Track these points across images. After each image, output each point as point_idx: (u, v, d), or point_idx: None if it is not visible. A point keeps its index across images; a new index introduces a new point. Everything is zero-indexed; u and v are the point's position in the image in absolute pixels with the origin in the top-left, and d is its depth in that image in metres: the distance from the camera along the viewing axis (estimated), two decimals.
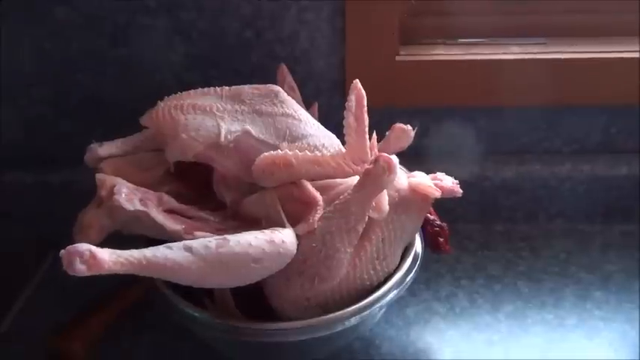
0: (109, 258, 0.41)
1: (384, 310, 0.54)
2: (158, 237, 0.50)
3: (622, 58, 0.68)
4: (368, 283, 0.51)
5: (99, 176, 0.51)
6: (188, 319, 0.51)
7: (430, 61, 0.68)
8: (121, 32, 0.68)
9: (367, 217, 0.49)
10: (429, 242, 0.58)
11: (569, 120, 0.72)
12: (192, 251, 0.44)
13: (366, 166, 0.49)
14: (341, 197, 0.49)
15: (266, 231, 0.47)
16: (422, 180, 0.53)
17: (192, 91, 0.56)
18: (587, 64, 0.68)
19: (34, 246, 0.73)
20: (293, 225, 0.49)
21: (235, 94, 0.55)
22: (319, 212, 0.49)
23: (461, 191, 0.55)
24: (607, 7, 0.70)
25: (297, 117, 0.55)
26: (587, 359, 0.58)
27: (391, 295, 0.51)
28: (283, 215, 0.50)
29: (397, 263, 0.54)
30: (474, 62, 0.68)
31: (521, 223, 0.75)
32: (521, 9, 0.70)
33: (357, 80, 0.51)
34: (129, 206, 0.49)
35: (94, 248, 0.41)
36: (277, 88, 0.56)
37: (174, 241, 0.47)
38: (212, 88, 0.56)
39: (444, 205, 0.56)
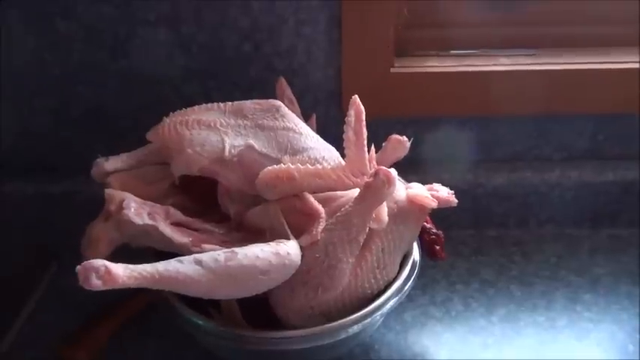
0: (123, 273, 0.42)
1: (384, 316, 0.56)
2: (165, 249, 0.52)
3: (608, 69, 0.70)
4: (369, 291, 0.53)
5: (108, 191, 0.52)
6: (195, 328, 0.53)
7: (424, 72, 0.70)
8: (121, 44, 0.69)
9: (368, 228, 0.51)
10: (426, 250, 0.60)
11: (557, 128, 0.75)
12: (202, 265, 0.45)
13: (366, 178, 0.51)
14: (342, 209, 0.51)
15: (271, 243, 0.48)
16: (419, 191, 0.55)
17: (196, 107, 0.57)
18: (574, 73, 0.71)
19: (36, 256, 0.74)
20: (296, 236, 0.51)
21: (238, 110, 0.57)
22: (322, 224, 0.51)
23: (456, 201, 0.57)
24: (594, 19, 0.72)
25: (297, 130, 0.57)
26: (578, 359, 0.61)
27: (392, 303, 0.53)
28: (287, 227, 0.51)
29: (396, 271, 0.56)
30: (466, 74, 0.70)
31: (513, 229, 0.77)
32: (511, 21, 0.72)
33: (356, 96, 0.53)
34: (138, 220, 0.50)
35: (108, 264, 0.42)
36: (278, 102, 0.58)
37: (182, 253, 0.49)
38: (215, 104, 0.57)
39: (438, 212, 0.58)
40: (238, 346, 0.52)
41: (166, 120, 0.56)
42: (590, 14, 0.72)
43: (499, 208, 0.76)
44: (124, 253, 0.51)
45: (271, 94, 0.64)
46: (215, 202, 0.58)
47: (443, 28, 0.72)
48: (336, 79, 0.71)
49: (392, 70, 0.70)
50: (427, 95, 0.71)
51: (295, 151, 0.55)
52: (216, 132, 0.55)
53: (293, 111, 0.61)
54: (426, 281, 0.69)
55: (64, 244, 0.72)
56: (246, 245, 0.48)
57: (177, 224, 0.53)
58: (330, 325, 0.51)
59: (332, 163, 0.55)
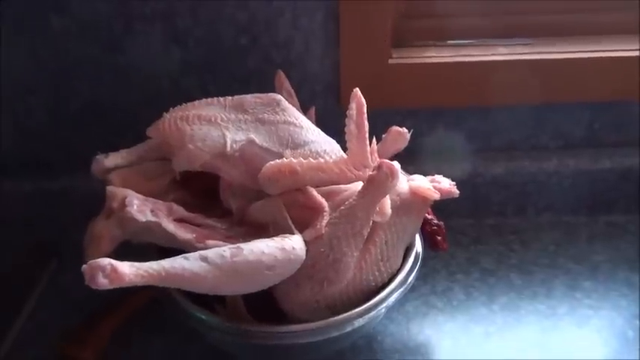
0: (129, 271, 0.42)
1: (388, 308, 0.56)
2: (168, 245, 0.52)
3: (606, 57, 0.70)
4: (373, 284, 0.53)
5: (110, 188, 0.52)
6: (200, 323, 0.53)
7: (422, 63, 0.70)
8: (117, 39, 0.68)
9: (371, 221, 0.51)
10: (428, 241, 0.61)
11: (554, 117, 0.75)
12: (208, 261, 0.45)
13: (368, 171, 0.51)
14: (346, 203, 0.51)
15: (276, 238, 0.48)
16: (421, 183, 0.55)
17: (196, 102, 0.57)
18: (572, 62, 0.71)
19: (35, 254, 0.73)
20: (299, 230, 0.51)
21: (238, 104, 0.57)
22: (326, 218, 0.51)
23: (458, 192, 0.57)
24: (591, 8, 0.72)
25: (298, 124, 0.57)
26: (578, 346, 0.61)
27: (396, 295, 0.54)
28: (290, 221, 0.51)
29: (400, 263, 0.56)
30: (464, 64, 0.70)
31: (511, 217, 0.78)
32: (508, 10, 0.72)
33: (357, 89, 0.53)
34: (141, 217, 0.50)
35: (114, 262, 0.42)
36: (279, 96, 0.58)
37: (186, 250, 0.49)
38: (215, 99, 0.57)
39: (437, 202, 0.57)
40: (244, 340, 0.52)
41: (166, 115, 0.56)
42: (588, 2, 0.72)
43: (497, 197, 0.76)
44: (124, 251, 0.51)
45: (269, 86, 0.64)
46: (216, 198, 0.58)
47: (440, 19, 0.72)
48: (334, 70, 0.71)
49: (390, 61, 0.70)
50: (425, 86, 0.71)
51: (296, 145, 0.55)
52: (217, 127, 0.55)
53: (292, 104, 0.60)
54: (426, 271, 0.69)
55: (63, 240, 0.73)
56: (249, 240, 0.48)
57: (180, 220, 0.53)
58: (336, 318, 0.51)
59: (334, 157, 0.55)
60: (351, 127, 0.52)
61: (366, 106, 0.52)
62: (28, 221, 0.74)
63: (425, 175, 0.58)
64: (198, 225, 0.53)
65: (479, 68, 0.70)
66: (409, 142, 0.62)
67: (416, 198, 0.55)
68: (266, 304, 0.53)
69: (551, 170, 0.75)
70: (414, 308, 0.66)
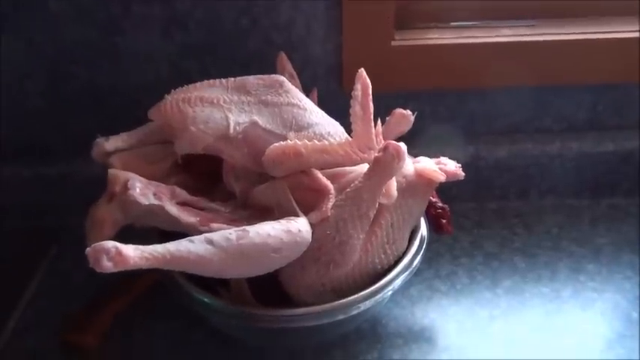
0: (134, 254, 0.42)
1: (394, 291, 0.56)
2: (171, 229, 0.51)
3: (608, 39, 0.70)
4: (379, 266, 0.53)
5: (111, 171, 0.51)
6: (204, 307, 0.52)
7: (424, 45, 0.69)
8: (115, 22, 0.67)
9: (377, 204, 0.51)
10: (432, 224, 0.60)
11: (557, 99, 0.75)
12: (213, 244, 0.45)
13: (373, 153, 0.51)
14: (352, 185, 0.50)
15: (282, 221, 0.48)
16: (427, 165, 0.55)
17: (198, 84, 0.56)
18: (575, 44, 0.70)
19: (35, 240, 0.73)
20: (304, 213, 0.50)
21: (241, 86, 0.56)
22: (331, 200, 0.50)
23: (463, 174, 0.57)
24: None
25: (302, 106, 0.56)
26: (583, 329, 0.61)
27: (402, 278, 0.53)
28: (295, 204, 0.51)
29: (405, 246, 0.56)
30: (466, 46, 0.69)
31: (514, 201, 0.77)
32: None
33: (362, 69, 0.52)
34: (144, 201, 0.49)
35: (119, 245, 0.41)
36: (282, 78, 0.57)
37: (189, 233, 0.48)
38: (217, 80, 0.56)
39: (440, 185, 0.57)
40: (249, 324, 0.52)
41: (168, 98, 0.55)
42: None
43: (500, 180, 0.76)
44: (125, 235, 0.50)
45: (270, 68, 0.63)
46: (219, 181, 0.57)
47: (443, 0, 0.71)
48: (336, 53, 0.70)
49: (392, 43, 0.69)
50: (428, 68, 0.70)
51: (300, 127, 0.55)
52: (219, 109, 0.54)
53: (294, 86, 0.59)
54: (430, 255, 0.68)
55: (62, 227, 0.72)
56: (253, 223, 0.48)
57: (183, 204, 0.52)
58: (342, 301, 0.51)
59: (338, 139, 0.55)
60: (356, 109, 0.51)
61: (371, 87, 0.51)
62: (26, 207, 0.73)
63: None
64: (201, 209, 0.53)
65: (482, 50, 0.70)
66: (412, 124, 0.61)
67: (422, 180, 0.54)
68: (271, 287, 0.52)
69: (554, 153, 0.75)
70: (418, 292, 0.65)
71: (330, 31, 0.68)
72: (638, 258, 0.69)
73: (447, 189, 0.60)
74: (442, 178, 0.54)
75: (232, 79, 0.57)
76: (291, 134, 0.54)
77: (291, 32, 0.68)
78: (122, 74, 0.70)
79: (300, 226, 0.48)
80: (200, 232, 0.48)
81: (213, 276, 0.46)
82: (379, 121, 0.54)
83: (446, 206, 0.61)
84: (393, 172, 0.49)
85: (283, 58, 0.64)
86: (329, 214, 0.50)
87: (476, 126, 0.75)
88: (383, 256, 0.53)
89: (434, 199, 0.60)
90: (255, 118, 0.54)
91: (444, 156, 0.58)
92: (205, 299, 0.51)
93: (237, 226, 0.48)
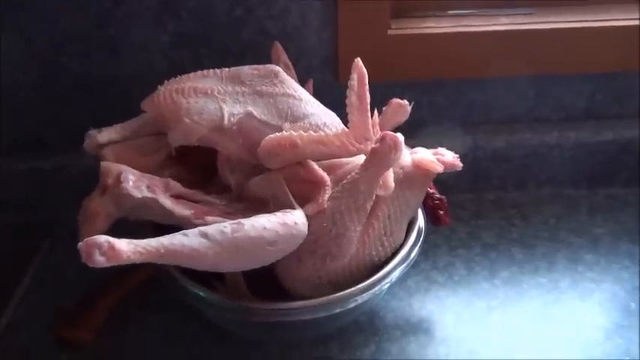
0: (127, 248, 0.41)
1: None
2: (165, 222, 0.51)
3: (608, 27, 0.69)
4: (376, 259, 0.53)
5: (104, 164, 0.50)
6: (200, 301, 0.52)
7: (421, 34, 0.68)
8: (107, 12, 0.66)
9: (374, 195, 0.50)
10: (430, 215, 0.60)
11: (556, 88, 0.74)
12: (208, 237, 0.44)
13: (370, 144, 0.50)
14: (348, 177, 0.50)
15: (278, 213, 0.47)
16: (424, 155, 0.54)
17: (191, 74, 0.55)
18: (572, 32, 0.69)
19: (28, 234, 0.72)
20: (300, 205, 0.50)
21: (235, 76, 0.55)
22: (328, 192, 0.50)
23: (461, 165, 0.56)
24: None
25: (297, 97, 0.55)
26: (581, 319, 0.61)
27: (400, 270, 0.53)
28: (291, 196, 0.50)
29: (403, 238, 0.55)
30: (464, 34, 0.69)
31: (512, 191, 0.77)
32: None
33: (359, 59, 0.51)
34: (137, 193, 0.49)
35: (112, 239, 0.41)
36: (277, 68, 0.56)
37: (183, 227, 0.47)
38: (211, 70, 0.55)
39: (437, 176, 0.57)
40: (244, 318, 0.51)
41: (161, 88, 0.54)
42: None
43: (498, 170, 0.75)
44: (118, 229, 0.50)
45: (264, 59, 0.62)
46: (214, 173, 0.56)
47: None
48: (331, 43, 0.69)
49: (389, 32, 0.68)
50: (425, 57, 0.69)
51: (296, 118, 0.54)
52: (213, 100, 0.53)
53: (290, 76, 0.59)
54: (427, 246, 0.68)
55: (55, 221, 0.71)
56: (249, 216, 0.47)
57: (177, 197, 0.51)
58: (339, 294, 0.50)
59: (334, 130, 0.54)
60: (352, 99, 0.50)
61: (367, 76, 0.51)
62: (19, 201, 0.73)
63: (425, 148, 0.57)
64: (196, 201, 0.52)
65: (479, 39, 0.69)
66: (409, 114, 0.60)
67: (419, 171, 0.54)
68: (267, 280, 0.52)
69: (552, 143, 0.74)
70: (415, 284, 0.65)
71: (326, 20, 0.68)
72: (636, 248, 0.69)
73: (444, 180, 0.59)
74: (440, 168, 0.54)
75: (226, 69, 0.56)
76: (287, 125, 0.53)
77: (285, 22, 0.68)
78: (115, 66, 0.69)
79: (296, 218, 0.47)
80: (195, 226, 0.47)
81: (208, 270, 0.46)
82: (376, 112, 0.53)
83: (443, 197, 0.60)
84: (390, 163, 0.49)
85: (278, 47, 0.63)
86: (325, 206, 0.49)
87: (473, 116, 0.75)
88: (380, 248, 0.52)
89: (431, 190, 0.60)
90: (250, 108, 0.53)
91: (441, 146, 0.58)
92: (200, 293, 0.51)
93: (233, 218, 0.47)
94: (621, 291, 0.64)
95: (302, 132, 0.50)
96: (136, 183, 0.49)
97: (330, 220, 0.49)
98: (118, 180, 0.49)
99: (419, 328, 0.60)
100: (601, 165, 0.76)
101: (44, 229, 0.72)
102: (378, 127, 0.53)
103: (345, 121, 0.52)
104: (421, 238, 0.56)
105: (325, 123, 0.55)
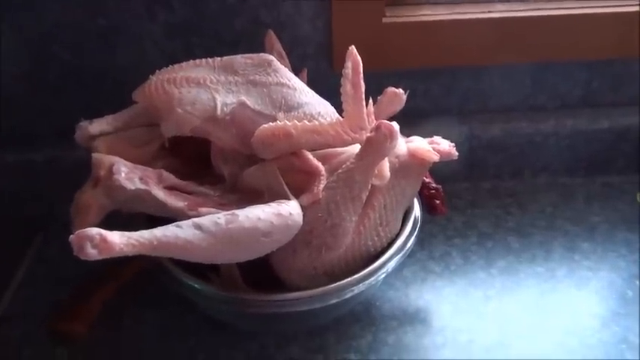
0: (119, 240, 0.40)
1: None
2: (159, 214, 0.50)
3: (603, 13, 0.68)
4: (372, 249, 0.52)
5: (96, 156, 0.50)
6: (194, 293, 0.51)
7: (416, 22, 0.68)
8: (98, 2, 0.65)
9: (370, 185, 0.50)
10: (426, 205, 0.59)
11: (552, 76, 0.73)
12: (202, 229, 0.43)
13: (365, 133, 0.49)
14: (343, 166, 0.49)
15: (272, 204, 0.47)
16: (420, 145, 0.54)
17: (183, 64, 0.54)
18: (568, 19, 0.69)
19: (20, 228, 0.71)
20: (295, 196, 0.49)
21: (228, 65, 0.54)
22: (323, 182, 0.49)
23: (457, 154, 0.56)
24: None
25: (291, 86, 0.54)
26: (578, 308, 0.61)
27: (396, 260, 0.52)
28: (285, 187, 0.50)
29: (399, 228, 0.55)
30: (459, 22, 0.68)
31: (508, 180, 0.76)
32: None
33: (353, 47, 0.50)
34: (130, 185, 0.48)
35: (103, 231, 0.40)
36: (270, 57, 0.55)
37: (177, 218, 0.47)
38: (204, 60, 0.54)
39: (433, 165, 0.56)
40: (240, 309, 0.51)
41: (152, 78, 0.53)
42: None
43: (494, 159, 0.75)
44: (113, 221, 0.49)
45: (258, 49, 0.61)
46: (207, 164, 0.56)
47: None
48: (326, 31, 0.68)
49: (384, 20, 0.67)
50: (420, 45, 0.68)
51: (290, 108, 0.53)
52: (206, 89, 0.52)
53: (283, 65, 0.58)
54: (423, 236, 0.67)
55: (48, 213, 0.71)
56: (243, 207, 0.47)
57: (170, 188, 0.51)
58: (335, 285, 0.50)
59: (328, 119, 0.53)
60: (347, 88, 0.50)
61: (362, 65, 0.50)
62: (11, 194, 0.72)
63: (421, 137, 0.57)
64: (189, 193, 0.51)
65: (475, 26, 0.68)
66: (404, 103, 0.60)
67: (415, 160, 0.53)
68: (262, 271, 0.51)
69: (548, 131, 0.74)
70: (412, 274, 0.65)
71: (320, 8, 0.67)
72: (633, 236, 0.68)
73: (439, 169, 0.59)
74: (436, 157, 0.53)
75: (219, 58, 0.55)
76: (281, 115, 0.52)
77: (279, 10, 0.67)
78: (106, 56, 0.68)
79: (290, 209, 0.46)
80: (188, 217, 0.46)
81: (203, 261, 0.45)
82: (371, 101, 0.52)
83: (439, 187, 0.60)
84: (385, 153, 0.48)
85: (272, 36, 0.62)
86: (320, 196, 0.49)
87: (469, 104, 0.74)
88: (376, 238, 0.52)
89: (427, 180, 0.59)
90: (244, 98, 0.53)
91: (437, 135, 0.57)
92: (195, 285, 0.50)
93: (227, 210, 0.47)
94: (618, 279, 0.64)
95: (296, 122, 0.50)
96: (128, 175, 0.48)
97: (325, 211, 0.48)
98: (110, 172, 0.48)
99: (415, 318, 0.60)
100: (597, 153, 0.76)
101: (38, 222, 0.71)
102: (373, 116, 0.53)
103: (339, 110, 0.52)
104: (417, 228, 0.55)
105: (320, 112, 0.54)
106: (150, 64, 0.55)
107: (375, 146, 0.47)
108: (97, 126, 0.55)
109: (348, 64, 0.50)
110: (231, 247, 0.44)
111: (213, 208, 0.49)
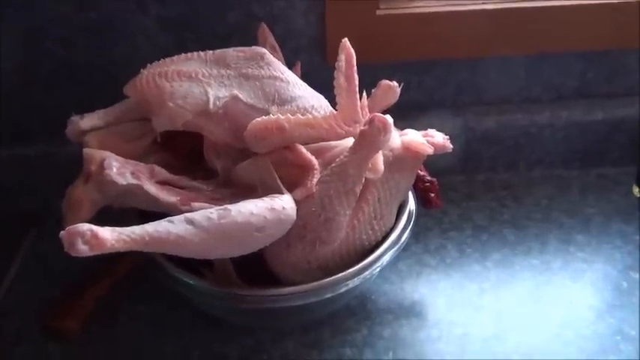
0: (110, 236, 0.40)
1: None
2: (151, 209, 0.50)
3: (596, 4, 0.68)
4: (367, 243, 0.52)
5: (87, 151, 0.49)
6: (188, 288, 0.51)
7: (410, 14, 0.67)
8: None
9: (364, 178, 0.49)
10: (421, 198, 0.59)
11: (547, 67, 0.73)
12: (194, 224, 0.43)
13: (358, 126, 0.49)
14: (337, 160, 0.49)
15: (265, 198, 0.46)
16: (414, 137, 0.53)
17: (175, 57, 0.54)
18: (563, 10, 0.68)
19: (14, 223, 0.70)
20: (288, 190, 0.49)
21: (220, 58, 0.54)
22: (316, 176, 0.49)
23: (451, 146, 0.55)
24: None
25: (284, 79, 0.54)
26: (573, 300, 0.61)
27: (390, 254, 0.52)
28: (279, 181, 0.49)
29: (393, 221, 0.54)
30: (453, 13, 0.67)
31: (503, 172, 0.76)
32: None
33: (346, 39, 0.50)
34: (121, 180, 0.48)
35: (95, 227, 0.40)
36: (263, 50, 0.55)
37: (170, 213, 0.46)
38: (195, 53, 0.54)
39: (428, 157, 0.56)
40: (234, 305, 0.51)
41: (144, 72, 0.53)
42: None
43: (489, 151, 0.75)
44: (104, 217, 0.49)
45: (251, 42, 0.60)
46: (200, 159, 0.55)
47: None
48: (319, 24, 0.67)
49: (377, 12, 0.67)
50: (414, 37, 0.68)
51: (283, 101, 0.53)
52: (198, 83, 0.52)
53: (277, 58, 0.57)
54: (418, 229, 0.67)
55: (42, 209, 0.70)
56: (236, 202, 0.46)
57: (162, 183, 0.50)
58: (329, 279, 0.50)
59: (322, 112, 0.53)
60: (340, 81, 0.49)
61: (355, 57, 0.50)
62: (4, 190, 0.71)
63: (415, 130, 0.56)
64: (182, 187, 0.51)
65: (469, 18, 0.68)
66: (398, 96, 0.59)
67: (409, 153, 0.53)
68: (256, 266, 0.51)
69: (543, 123, 0.74)
70: (407, 267, 0.64)
71: (313, 1, 0.66)
72: (628, 227, 0.68)
73: (434, 161, 0.59)
74: (430, 150, 0.53)
75: (211, 51, 0.54)
76: (274, 108, 0.52)
77: (272, 4, 0.66)
78: (98, 50, 0.68)
79: (284, 203, 0.46)
80: (181, 212, 0.46)
81: (195, 257, 0.45)
82: (364, 94, 0.52)
83: (434, 180, 0.60)
84: (379, 146, 0.48)
85: (265, 29, 0.62)
86: (314, 190, 0.48)
87: (464, 97, 0.74)
88: (370, 232, 0.52)
89: (422, 173, 0.59)
90: (236, 92, 0.52)
91: (431, 128, 0.57)
92: (189, 281, 0.50)
93: (219, 204, 0.47)
94: (613, 271, 0.64)
95: (289, 115, 0.49)
96: (119, 169, 0.48)
97: (318, 205, 0.48)
98: (102, 167, 0.48)
99: (411, 312, 0.60)
100: (592, 144, 0.75)
101: (31, 217, 0.71)
102: (366, 109, 0.52)
103: (333, 104, 0.51)
104: (412, 221, 0.55)
105: (313, 106, 0.54)
106: (142, 59, 0.55)
107: (369, 139, 0.47)
108: (88, 121, 0.54)
109: (342, 57, 0.49)
110: (224, 242, 0.44)
111: (206, 202, 0.49)
